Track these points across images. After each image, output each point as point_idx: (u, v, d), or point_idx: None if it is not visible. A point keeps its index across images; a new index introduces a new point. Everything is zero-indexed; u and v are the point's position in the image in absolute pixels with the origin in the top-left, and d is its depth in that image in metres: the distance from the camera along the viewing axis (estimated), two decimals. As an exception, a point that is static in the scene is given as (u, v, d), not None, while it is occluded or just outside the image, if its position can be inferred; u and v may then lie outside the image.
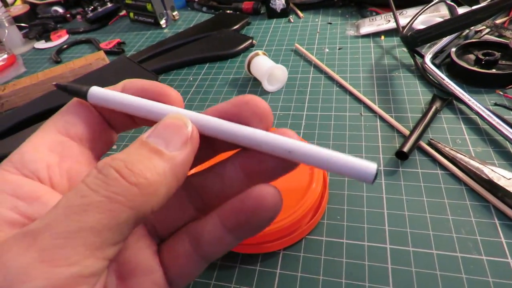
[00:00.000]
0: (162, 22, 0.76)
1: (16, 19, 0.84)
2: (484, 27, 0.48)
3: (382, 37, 0.56)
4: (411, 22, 0.49)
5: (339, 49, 0.55)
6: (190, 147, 0.14)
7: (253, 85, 0.51)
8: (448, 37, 0.47)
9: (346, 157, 0.14)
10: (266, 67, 0.48)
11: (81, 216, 0.11)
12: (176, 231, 0.17)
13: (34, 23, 0.86)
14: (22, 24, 0.86)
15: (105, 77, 0.54)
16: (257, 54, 0.50)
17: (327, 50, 0.56)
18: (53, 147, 0.15)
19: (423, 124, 0.37)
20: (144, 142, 0.14)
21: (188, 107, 0.49)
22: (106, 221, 0.11)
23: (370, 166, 0.14)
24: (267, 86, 0.49)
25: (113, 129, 0.18)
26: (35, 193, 0.14)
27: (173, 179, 0.13)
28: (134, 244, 0.16)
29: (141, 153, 0.13)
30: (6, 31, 0.78)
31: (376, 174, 0.14)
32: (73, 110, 0.17)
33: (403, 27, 0.49)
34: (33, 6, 0.92)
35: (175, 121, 0.14)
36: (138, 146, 0.14)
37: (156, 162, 0.13)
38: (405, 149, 0.34)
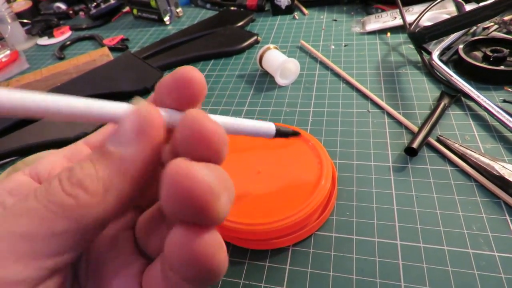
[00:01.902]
0: (166, 18, 0.75)
1: (19, 15, 0.83)
2: (492, 23, 0.48)
3: (388, 34, 0.56)
4: (418, 19, 0.49)
5: (345, 46, 0.55)
6: (145, 139, 0.12)
7: (259, 82, 0.51)
8: (455, 33, 0.47)
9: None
10: (278, 62, 0.47)
11: (15, 220, 0.11)
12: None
13: (37, 19, 0.85)
14: (25, 20, 0.86)
15: (110, 73, 0.54)
16: (268, 48, 0.49)
17: (333, 47, 0.55)
18: (69, 154, 0.16)
19: (432, 121, 0.36)
20: (101, 144, 0.13)
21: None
22: (38, 229, 0.11)
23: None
24: (280, 80, 0.48)
25: None
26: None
27: (123, 180, 0.12)
28: (116, 260, 0.16)
29: (91, 158, 0.12)
30: (9, 27, 0.78)
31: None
32: None
33: (410, 24, 0.49)
34: (35, 2, 0.92)
35: (132, 111, 0.13)
36: (95, 151, 0.13)
37: (98, 166, 0.12)
38: (415, 145, 0.33)
